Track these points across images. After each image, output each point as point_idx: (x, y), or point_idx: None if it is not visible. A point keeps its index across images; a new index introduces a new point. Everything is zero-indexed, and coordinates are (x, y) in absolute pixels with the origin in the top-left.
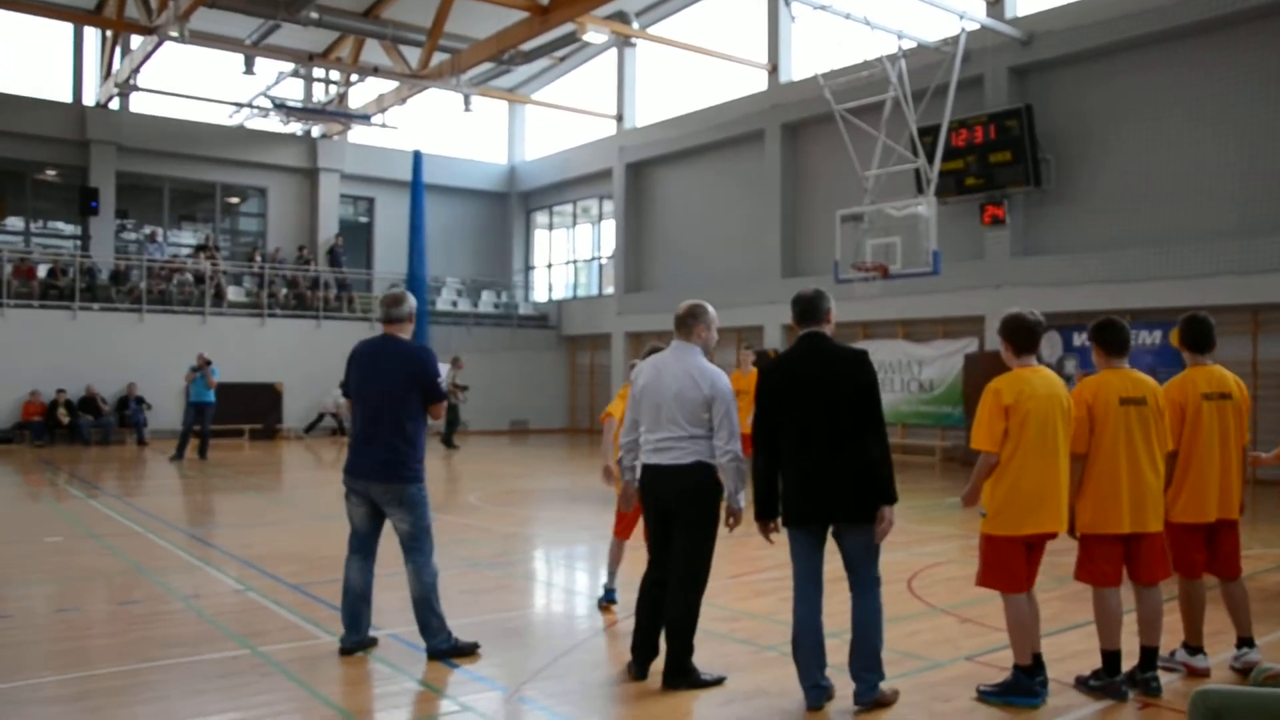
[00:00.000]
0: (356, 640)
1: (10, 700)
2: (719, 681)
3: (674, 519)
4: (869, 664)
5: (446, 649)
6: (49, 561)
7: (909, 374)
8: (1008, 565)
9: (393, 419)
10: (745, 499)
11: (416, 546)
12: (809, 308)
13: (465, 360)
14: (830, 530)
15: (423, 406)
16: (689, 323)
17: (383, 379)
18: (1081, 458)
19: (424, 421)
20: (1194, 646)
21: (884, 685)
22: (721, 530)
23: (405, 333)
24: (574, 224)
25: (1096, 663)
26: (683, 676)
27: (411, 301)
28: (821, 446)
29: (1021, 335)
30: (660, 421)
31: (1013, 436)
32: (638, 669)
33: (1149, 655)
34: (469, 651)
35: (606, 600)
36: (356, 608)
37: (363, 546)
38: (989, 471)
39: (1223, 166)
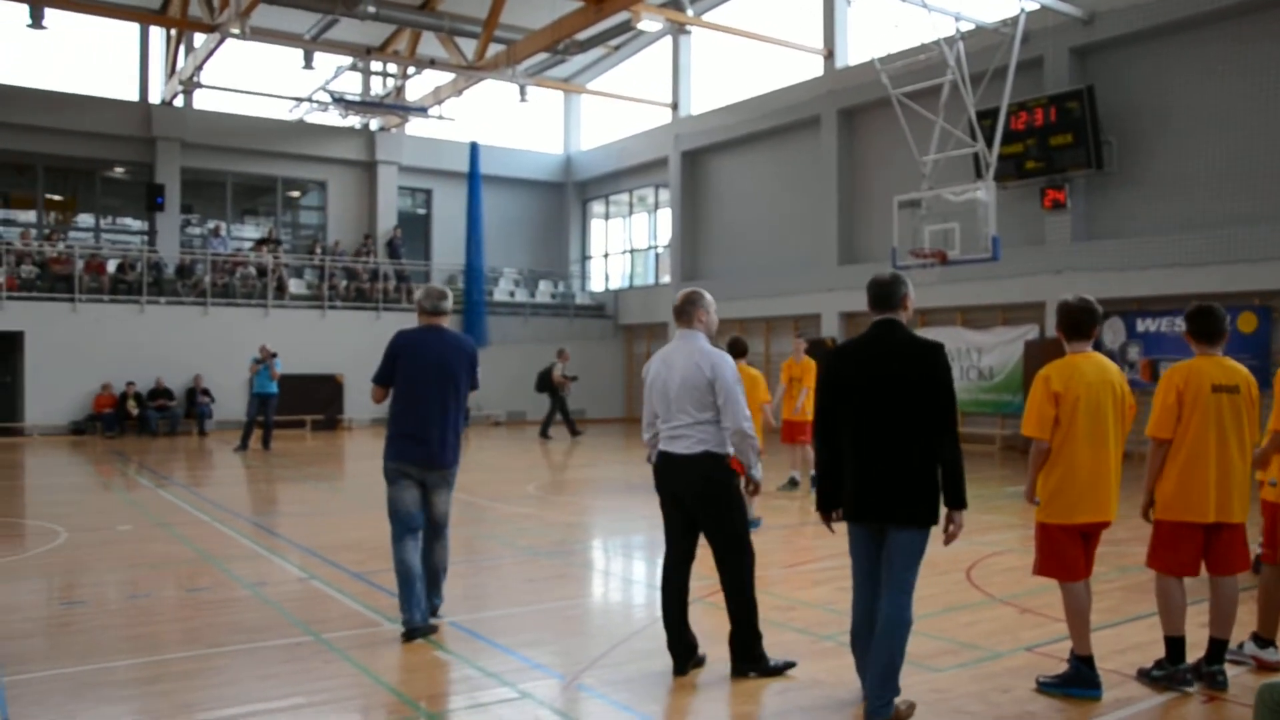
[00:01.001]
0: (424, 618)
1: (86, 682)
2: (788, 667)
3: (690, 510)
4: (886, 676)
5: (438, 603)
6: (121, 549)
7: (968, 361)
8: (1064, 554)
9: (454, 404)
10: (760, 471)
11: (447, 524)
12: (884, 293)
13: (523, 350)
14: None
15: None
16: (688, 310)
17: (443, 366)
18: (1166, 443)
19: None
20: (1266, 639)
21: (899, 700)
22: (782, 520)
23: (447, 325)
24: (630, 213)
25: (1158, 654)
26: (753, 663)
27: (451, 296)
28: (883, 442)
29: (1070, 322)
30: (671, 410)
31: (1063, 423)
32: (676, 666)
33: (1218, 648)
34: (440, 603)
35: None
36: (419, 589)
37: (414, 528)
38: (1043, 459)
39: None
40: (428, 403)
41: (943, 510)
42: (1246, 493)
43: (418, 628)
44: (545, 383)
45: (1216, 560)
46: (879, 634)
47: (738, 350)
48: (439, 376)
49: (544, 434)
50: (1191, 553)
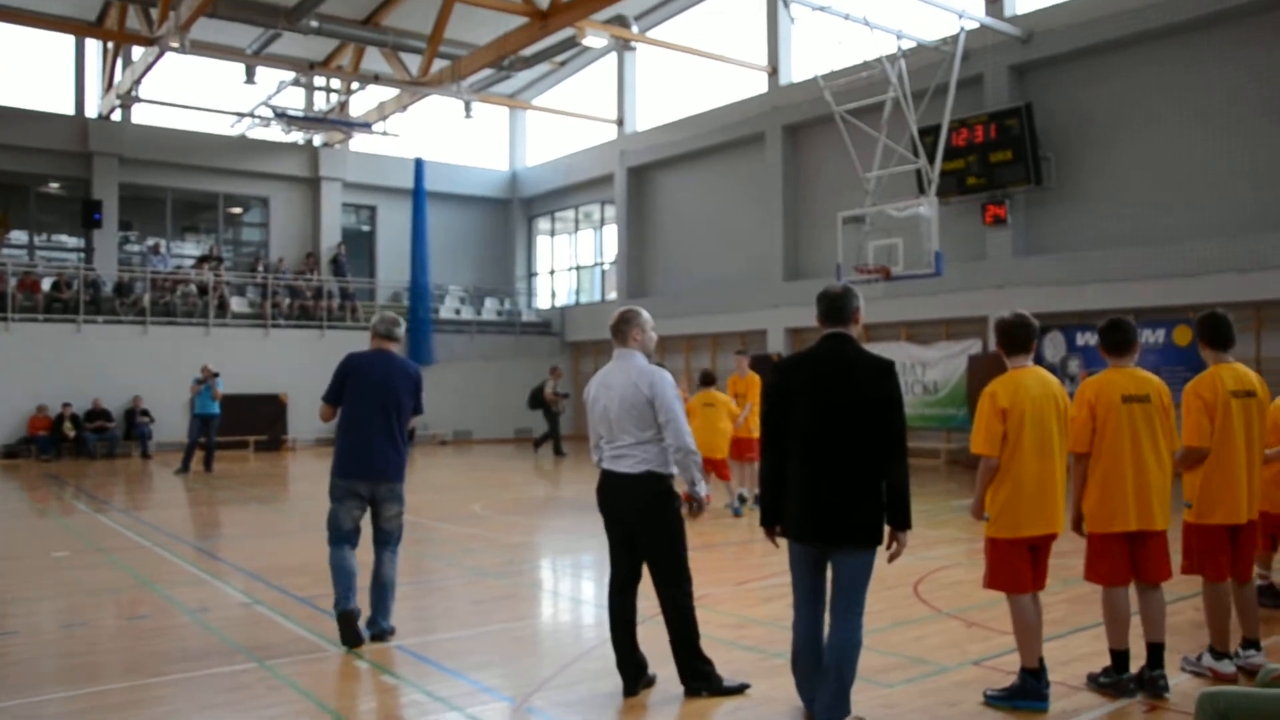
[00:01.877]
0: (356, 609)
1: (18, 716)
2: (741, 689)
3: (632, 529)
4: (835, 701)
5: (389, 630)
6: (56, 577)
7: (912, 376)
8: (1013, 567)
9: (398, 423)
10: (705, 489)
11: (398, 537)
12: (835, 305)
13: (469, 367)
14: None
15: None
16: (623, 328)
17: (387, 388)
18: (1085, 457)
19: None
20: (1220, 651)
21: (848, 718)
22: (731, 537)
23: (399, 350)
24: (576, 229)
25: (1103, 664)
26: (703, 682)
27: (404, 323)
28: (828, 460)
29: (1009, 338)
30: (614, 430)
31: (1011, 439)
32: (626, 687)
33: (1156, 652)
34: (392, 631)
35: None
36: (355, 581)
37: (353, 539)
38: (992, 476)
39: (1225, 163)
40: (371, 421)
41: (886, 529)
42: (1166, 500)
43: (351, 610)
44: (538, 400)
45: (1143, 569)
46: (830, 657)
47: (705, 380)
48: (382, 397)
49: (557, 451)
50: (1121, 563)
